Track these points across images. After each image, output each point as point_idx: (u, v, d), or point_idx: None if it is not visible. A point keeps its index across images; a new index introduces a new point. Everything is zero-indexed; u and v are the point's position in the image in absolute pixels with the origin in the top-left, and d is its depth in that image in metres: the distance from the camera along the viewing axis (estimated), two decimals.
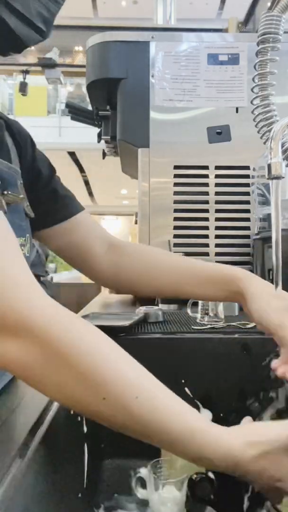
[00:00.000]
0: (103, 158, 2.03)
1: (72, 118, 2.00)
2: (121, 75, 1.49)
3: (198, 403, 0.82)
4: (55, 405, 0.57)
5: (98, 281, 0.86)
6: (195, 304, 1.11)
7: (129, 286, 0.84)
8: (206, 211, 1.48)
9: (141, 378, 0.44)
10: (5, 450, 0.44)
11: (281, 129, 0.69)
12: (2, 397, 0.59)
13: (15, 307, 0.41)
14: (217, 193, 1.49)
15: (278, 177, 0.68)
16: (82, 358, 0.41)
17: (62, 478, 0.57)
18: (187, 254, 1.41)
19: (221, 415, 0.81)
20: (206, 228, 1.48)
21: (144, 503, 0.72)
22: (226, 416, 0.81)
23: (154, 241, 1.47)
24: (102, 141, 1.76)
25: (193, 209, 1.48)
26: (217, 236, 1.48)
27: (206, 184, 1.49)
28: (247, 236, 1.47)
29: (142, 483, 0.74)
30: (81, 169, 8.93)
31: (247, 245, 1.47)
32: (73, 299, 4.76)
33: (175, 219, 1.48)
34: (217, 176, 1.49)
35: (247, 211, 1.48)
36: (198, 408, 0.82)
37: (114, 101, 1.55)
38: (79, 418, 0.70)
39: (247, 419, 0.55)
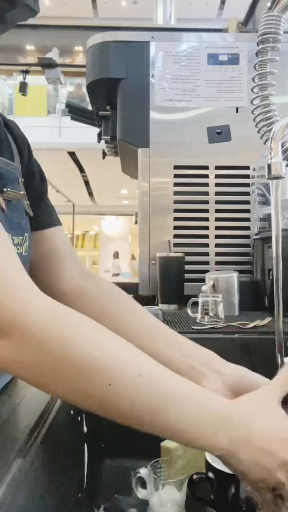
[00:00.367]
0: (103, 158, 2.03)
1: (72, 118, 2.01)
2: (121, 75, 1.49)
3: None
4: (55, 405, 0.57)
5: (57, 299, 0.71)
6: (195, 304, 1.11)
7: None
8: (206, 211, 1.48)
9: (140, 358, 0.45)
10: (6, 450, 0.44)
11: (281, 129, 0.69)
12: (2, 397, 0.59)
13: (10, 308, 0.41)
14: (217, 193, 1.49)
15: (278, 177, 0.68)
16: (79, 351, 0.41)
17: (62, 478, 0.57)
18: (187, 254, 1.41)
19: None
20: (206, 228, 1.48)
21: (144, 503, 0.72)
22: None
23: (154, 241, 1.47)
24: (102, 141, 1.76)
25: (193, 209, 1.49)
26: (217, 236, 1.48)
27: (206, 184, 1.49)
28: (247, 236, 1.47)
29: (142, 483, 0.74)
30: (81, 169, 8.92)
31: (247, 245, 1.47)
32: None
33: (175, 219, 1.48)
34: (217, 176, 1.49)
35: (247, 211, 1.48)
36: None
37: (114, 101, 1.55)
38: (79, 418, 0.70)
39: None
